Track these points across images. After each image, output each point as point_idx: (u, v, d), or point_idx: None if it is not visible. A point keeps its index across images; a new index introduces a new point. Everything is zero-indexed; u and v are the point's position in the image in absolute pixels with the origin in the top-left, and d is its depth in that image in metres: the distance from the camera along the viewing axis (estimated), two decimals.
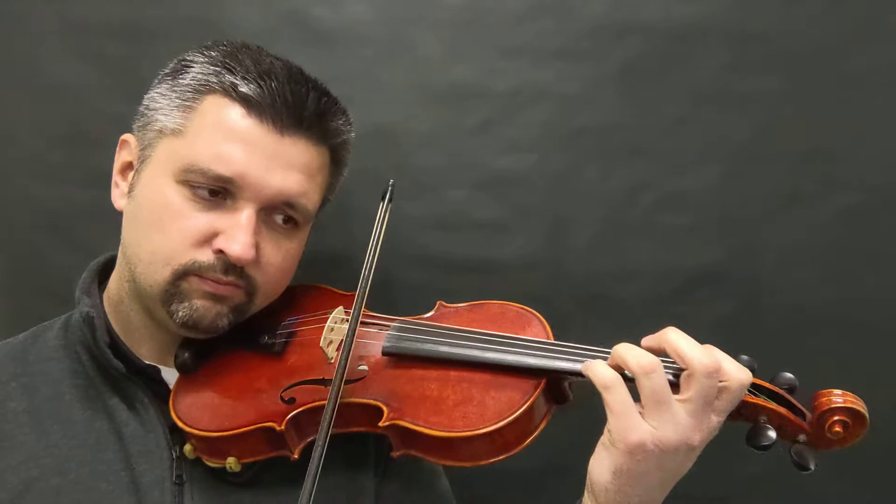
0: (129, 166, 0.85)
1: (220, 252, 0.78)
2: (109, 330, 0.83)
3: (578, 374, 0.71)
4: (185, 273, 0.78)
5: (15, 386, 0.81)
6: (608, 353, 0.71)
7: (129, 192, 0.83)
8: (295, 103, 0.79)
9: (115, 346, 0.82)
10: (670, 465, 0.66)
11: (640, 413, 0.65)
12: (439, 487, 0.95)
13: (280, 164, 0.79)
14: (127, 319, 0.85)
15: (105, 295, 0.87)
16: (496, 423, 0.69)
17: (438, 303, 0.88)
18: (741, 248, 1.10)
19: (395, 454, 0.75)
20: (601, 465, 0.68)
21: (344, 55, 1.10)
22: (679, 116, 1.09)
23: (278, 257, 0.83)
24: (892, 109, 1.08)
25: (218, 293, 0.79)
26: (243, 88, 0.78)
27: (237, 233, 0.77)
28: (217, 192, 0.78)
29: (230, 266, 0.78)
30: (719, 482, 1.09)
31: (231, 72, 0.79)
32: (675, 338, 0.67)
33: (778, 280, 1.09)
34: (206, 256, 0.78)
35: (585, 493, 0.72)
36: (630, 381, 0.66)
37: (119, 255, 0.85)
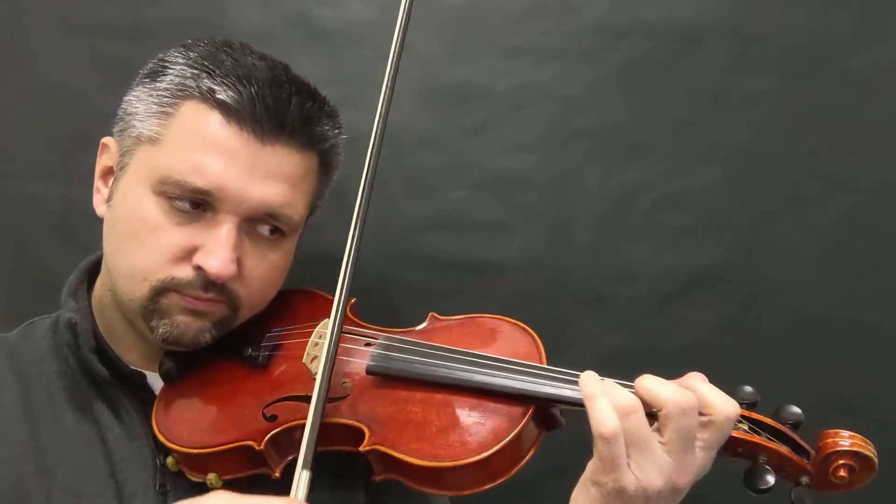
0: (109, 171, 0.82)
1: (199, 268, 0.75)
2: (96, 334, 0.82)
3: (569, 401, 0.68)
4: (163, 289, 0.75)
5: (11, 380, 0.79)
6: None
7: (108, 199, 0.80)
8: (276, 109, 0.75)
9: (102, 350, 0.80)
10: None
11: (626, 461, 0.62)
12: (436, 498, 0.92)
13: (261, 174, 0.75)
14: (111, 326, 0.83)
15: (93, 297, 0.86)
16: (481, 454, 0.66)
17: (430, 315, 0.84)
18: (741, 248, 1.10)
19: (377, 478, 0.72)
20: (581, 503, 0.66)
21: (345, 55, 1.10)
22: (679, 117, 1.09)
23: (262, 270, 0.79)
24: (892, 109, 1.08)
25: (198, 309, 0.77)
26: (221, 95, 0.74)
27: (216, 248, 0.74)
28: (196, 204, 0.75)
29: (210, 282, 0.75)
30: (718, 483, 1.10)
31: (210, 75, 0.75)
32: (646, 383, 0.64)
33: (778, 280, 1.09)
34: (184, 273, 0.75)
35: None
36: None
37: (103, 261, 0.84)
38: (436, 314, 0.84)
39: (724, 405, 0.63)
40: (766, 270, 1.09)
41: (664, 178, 1.10)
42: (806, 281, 1.09)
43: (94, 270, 0.87)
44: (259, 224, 0.79)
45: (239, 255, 0.76)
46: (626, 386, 0.66)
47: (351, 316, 0.85)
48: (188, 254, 0.75)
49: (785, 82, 1.08)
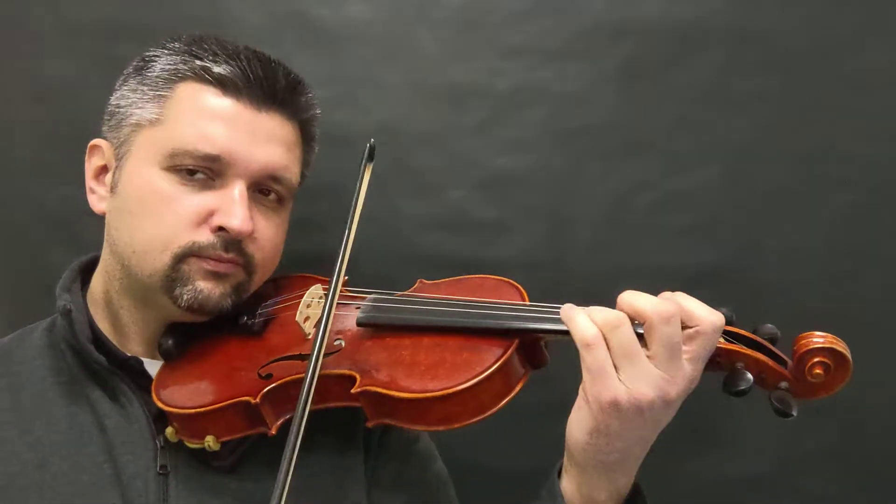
0: (103, 170, 0.85)
1: (219, 229, 0.79)
2: (92, 325, 0.83)
3: (552, 332, 0.71)
4: (184, 255, 0.78)
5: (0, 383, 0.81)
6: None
7: (112, 190, 0.83)
8: (267, 78, 0.81)
9: (98, 340, 0.82)
10: (648, 422, 0.65)
11: (615, 372, 0.64)
12: (434, 470, 0.94)
13: (261, 138, 0.81)
14: (116, 316, 0.85)
15: (88, 294, 0.88)
16: (467, 382, 0.68)
17: (419, 280, 0.88)
18: (741, 248, 1.10)
19: (369, 424, 0.74)
20: (578, 425, 0.67)
21: (344, 55, 1.10)
22: (679, 116, 1.09)
23: (270, 231, 0.84)
24: (892, 109, 1.08)
25: (219, 271, 0.80)
26: (217, 69, 0.80)
27: (234, 207, 0.78)
28: (205, 172, 0.79)
29: (230, 242, 0.79)
30: (720, 483, 1.10)
31: (199, 57, 0.81)
32: (627, 296, 0.66)
33: (778, 280, 1.09)
34: (204, 236, 0.79)
35: (565, 455, 0.72)
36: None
37: (105, 255, 0.86)
38: (423, 280, 0.88)
39: (709, 315, 0.65)
40: (765, 270, 1.09)
41: (664, 177, 1.10)
42: (805, 281, 1.09)
43: (86, 269, 0.89)
44: (262, 189, 0.84)
45: (252, 215, 0.81)
46: None
47: (344, 288, 0.87)
48: (205, 218, 0.79)
49: (785, 82, 1.08)
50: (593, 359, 0.64)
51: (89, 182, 0.86)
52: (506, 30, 1.10)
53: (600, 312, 0.66)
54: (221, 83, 0.80)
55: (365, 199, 1.07)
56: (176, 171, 0.79)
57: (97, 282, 0.87)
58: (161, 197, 0.78)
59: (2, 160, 1.13)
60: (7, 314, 1.13)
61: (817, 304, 1.09)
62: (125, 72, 0.85)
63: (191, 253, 0.78)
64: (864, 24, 1.07)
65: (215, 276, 0.80)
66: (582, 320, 0.66)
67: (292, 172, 0.85)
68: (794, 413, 0.65)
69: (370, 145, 0.87)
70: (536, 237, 1.11)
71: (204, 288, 0.79)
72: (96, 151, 0.86)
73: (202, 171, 0.79)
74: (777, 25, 1.08)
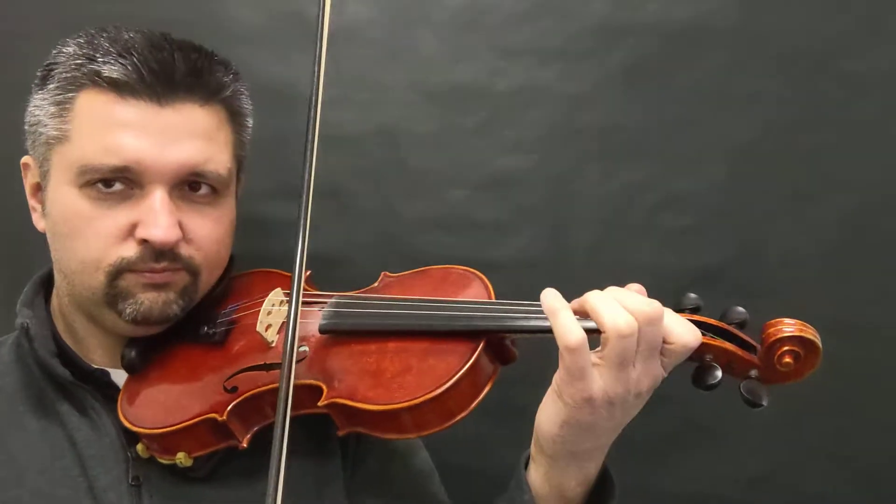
0: (38, 187, 0.83)
1: (144, 242, 0.75)
2: (56, 338, 0.82)
3: (520, 330, 0.70)
4: (118, 272, 0.76)
5: None
6: (541, 310, 0.67)
7: (43, 211, 0.82)
8: (163, 69, 0.75)
9: (63, 353, 0.81)
10: (618, 414, 0.65)
11: (593, 366, 0.63)
12: (416, 463, 0.93)
13: (171, 136, 0.76)
14: (73, 330, 0.84)
15: (51, 306, 0.87)
16: (435, 390, 0.67)
17: (382, 274, 0.86)
18: (741, 248, 1.10)
19: (340, 433, 0.73)
20: (548, 418, 0.67)
21: (345, 56, 1.10)
22: (679, 116, 1.09)
23: (206, 228, 0.80)
24: (893, 109, 1.08)
25: (157, 282, 0.77)
26: (107, 73, 0.75)
27: (154, 217, 0.75)
28: (121, 184, 0.75)
29: (159, 253, 0.76)
30: (718, 483, 1.10)
31: (91, 60, 0.76)
32: (620, 293, 0.65)
33: (777, 280, 1.09)
34: (131, 251, 0.76)
35: (532, 445, 0.71)
36: (592, 333, 0.64)
37: (54, 272, 0.84)
38: (387, 272, 0.86)
39: (683, 335, 0.64)
40: (766, 270, 1.09)
41: (664, 178, 1.10)
42: (806, 281, 1.09)
43: (46, 281, 0.88)
44: (188, 186, 0.79)
45: (178, 219, 0.77)
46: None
47: (306, 286, 0.85)
48: (129, 232, 0.76)
49: (785, 82, 1.08)
50: (574, 362, 0.63)
51: (30, 200, 0.85)
52: (506, 30, 1.10)
53: (612, 315, 0.63)
54: (116, 87, 0.75)
55: (361, 199, 1.06)
56: (91, 187, 0.75)
57: (55, 296, 0.86)
58: (82, 217, 0.76)
59: (2, 160, 1.13)
60: (7, 314, 1.12)
61: (817, 304, 1.09)
62: (33, 83, 0.82)
63: (123, 268, 0.76)
64: (864, 25, 1.07)
65: (154, 286, 0.78)
66: (566, 319, 0.63)
67: (217, 162, 0.79)
68: (765, 403, 0.64)
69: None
70: (536, 237, 1.11)
71: (145, 300, 0.77)
72: (28, 170, 0.84)
73: (118, 181, 0.75)
74: (777, 25, 1.08)
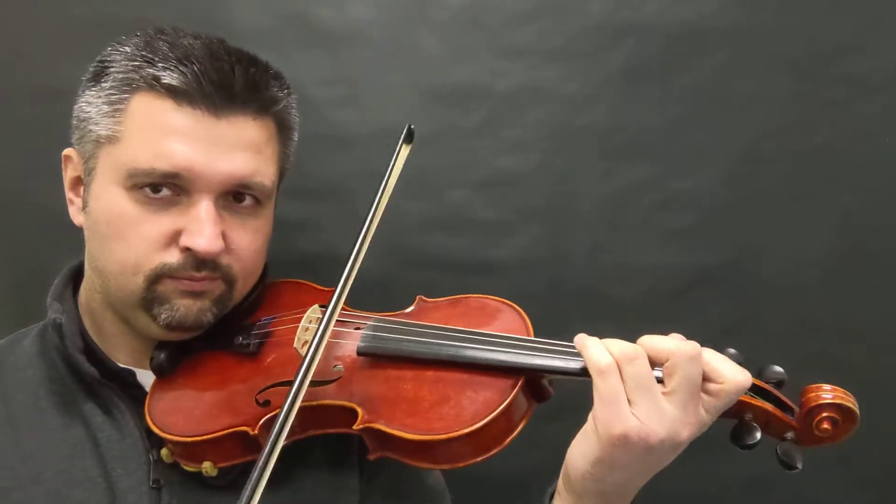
0: (78, 181, 0.83)
1: (187, 250, 0.76)
2: (84, 335, 0.82)
3: (557, 371, 0.69)
4: (157, 277, 0.76)
5: None
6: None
7: (84, 207, 0.81)
8: (223, 82, 0.76)
9: (90, 350, 0.81)
10: (653, 458, 0.65)
11: (628, 404, 0.63)
12: (430, 482, 0.93)
13: (223, 147, 0.76)
14: (101, 327, 0.84)
15: (79, 300, 0.86)
16: (473, 425, 0.67)
17: (418, 298, 0.85)
18: (741, 248, 1.10)
19: (371, 456, 0.73)
20: (581, 453, 0.66)
21: (346, 56, 1.10)
22: (679, 117, 1.09)
23: (247, 239, 0.81)
24: (893, 109, 1.08)
25: (195, 290, 0.78)
26: (167, 80, 0.74)
27: (200, 227, 0.75)
28: (170, 188, 0.76)
29: (201, 262, 0.76)
30: (716, 483, 1.10)
31: (150, 63, 0.76)
32: (647, 338, 0.66)
33: (778, 280, 1.09)
34: (174, 257, 0.76)
35: (560, 478, 0.71)
36: None
37: (86, 266, 0.84)
38: (423, 297, 0.85)
39: (734, 375, 0.64)
40: (765, 270, 1.10)
41: (664, 178, 1.10)
42: (806, 281, 1.09)
43: (77, 275, 0.88)
44: (234, 196, 0.79)
45: (222, 229, 0.77)
46: None
47: (343, 306, 0.84)
48: (173, 238, 0.76)
49: (785, 82, 1.08)
50: (606, 387, 0.63)
51: (67, 193, 0.84)
52: (507, 30, 1.10)
53: (616, 344, 0.65)
54: (174, 94, 0.75)
55: (361, 199, 1.05)
56: (138, 190, 0.75)
57: (84, 291, 0.86)
58: (127, 220, 0.76)
59: (2, 160, 1.13)
60: (7, 314, 1.13)
61: (817, 304, 1.09)
62: (83, 77, 0.82)
63: (163, 274, 0.76)
64: (864, 25, 1.08)
65: (192, 294, 0.78)
66: (596, 347, 0.65)
67: (264, 175, 0.80)
68: (800, 466, 0.65)
69: (410, 127, 0.83)
70: (536, 237, 1.11)
71: (181, 306, 0.77)
72: (69, 162, 0.84)
73: (166, 186, 0.75)
74: (777, 25, 1.08)
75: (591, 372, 0.64)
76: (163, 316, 0.77)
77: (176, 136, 0.75)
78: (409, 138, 0.83)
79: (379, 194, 0.79)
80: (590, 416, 0.66)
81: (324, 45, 1.10)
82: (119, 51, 0.79)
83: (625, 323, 1.08)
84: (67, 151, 0.84)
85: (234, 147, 0.77)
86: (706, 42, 1.09)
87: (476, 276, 1.11)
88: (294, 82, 0.96)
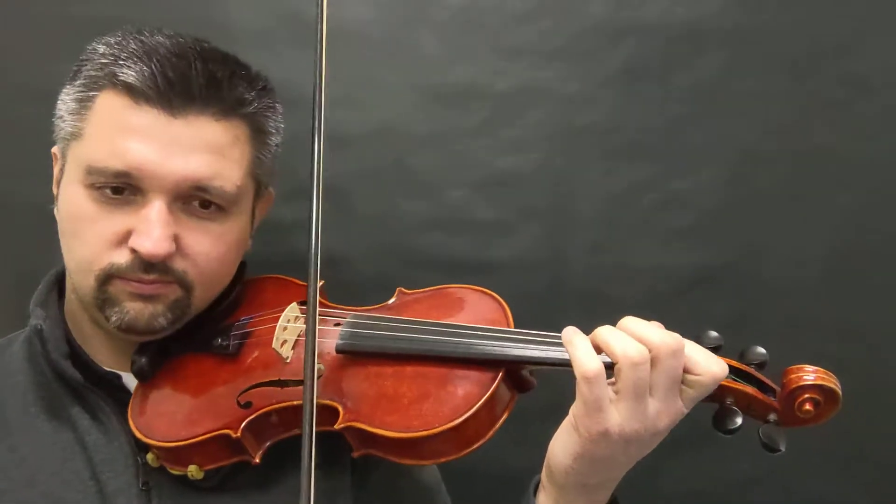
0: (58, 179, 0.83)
1: (134, 251, 0.74)
2: (69, 339, 0.82)
3: (538, 361, 0.69)
4: (107, 277, 0.75)
5: None
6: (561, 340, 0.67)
7: (56, 205, 0.81)
8: (180, 79, 0.73)
9: (76, 355, 0.80)
10: (634, 450, 0.65)
11: (610, 400, 0.63)
12: (425, 475, 0.93)
13: (179, 147, 0.74)
14: (81, 328, 0.84)
15: (64, 304, 0.86)
16: (454, 420, 0.66)
17: (398, 290, 0.84)
18: (741, 248, 1.10)
19: (355, 454, 0.73)
20: (563, 449, 0.66)
21: (345, 56, 1.10)
22: (679, 117, 1.09)
23: (206, 245, 0.77)
24: (893, 109, 1.08)
25: (145, 293, 0.76)
26: (122, 76, 0.73)
27: (148, 228, 0.73)
28: (123, 189, 0.74)
29: (149, 264, 0.74)
30: (714, 481, 1.10)
31: (115, 61, 0.75)
32: (632, 324, 0.65)
33: (778, 280, 1.09)
34: (123, 258, 0.74)
35: (543, 472, 0.71)
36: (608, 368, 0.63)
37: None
38: (402, 289, 0.85)
39: (710, 366, 0.64)
40: (765, 270, 1.09)
41: (664, 177, 1.10)
42: (806, 281, 1.09)
43: (62, 279, 0.87)
44: (192, 200, 0.77)
45: (175, 232, 0.75)
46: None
47: (321, 300, 0.84)
48: (123, 238, 0.75)
49: (785, 82, 1.08)
50: (591, 392, 0.62)
51: (53, 189, 0.84)
52: (506, 30, 1.10)
53: (622, 344, 0.63)
54: (131, 91, 0.73)
55: (361, 199, 1.04)
56: (94, 188, 0.74)
57: (67, 293, 0.85)
58: (83, 217, 0.75)
59: (2, 160, 1.13)
60: (7, 314, 1.12)
61: (817, 304, 1.09)
62: (68, 76, 0.82)
63: (112, 274, 0.75)
64: (864, 25, 1.07)
65: (141, 297, 0.76)
66: (584, 349, 0.64)
67: (225, 179, 0.76)
68: (783, 448, 0.65)
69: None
70: (536, 237, 1.11)
71: (131, 309, 0.76)
72: (55, 161, 0.83)
73: (124, 187, 0.74)
74: (777, 25, 1.08)
75: (577, 375, 0.63)
76: (113, 318, 0.76)
77: (132, 135, 0.73)
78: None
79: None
80: (570, 412, 0.66)
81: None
82: (95, 50, 0.79)
83: None
84: (54, 149, 0.84)
85: (192, 148, 0.75)
86: (706, 42, 1.09)
87: (476, 276, 1.11)
88: (292, 82, 0.96)
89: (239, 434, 0.73)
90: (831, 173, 1.08)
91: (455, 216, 1.11)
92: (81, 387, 0.78)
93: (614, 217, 1.10)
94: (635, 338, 0.63)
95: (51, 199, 1.12)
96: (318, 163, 0.68)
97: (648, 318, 1.08)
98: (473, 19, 1.10)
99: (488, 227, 1.11)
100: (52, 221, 1.11)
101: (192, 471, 0.75)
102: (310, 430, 0.64)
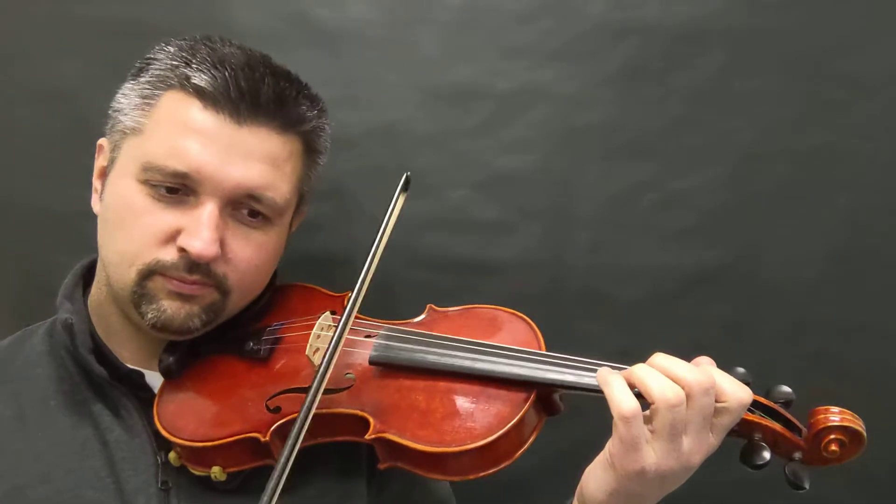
0: (104, 170, 0.83)
1: (182, 250, 0.75)
2: (93, 334, 0.82)
3: (570, 386, 0.70)
4: (149, 273, 0.76)
5: (2, 391, 0.80)
6: (594, 366, 0.69)
7: (101, 195, 0.82)
8: (251, 90, 0.76)
9: (99, 350, 0.80)
10: (668, 485, 0.66)
11: (646, 440, 0.63)
12: (438, 488, 0.94)
13: (239, 155, 0.76)
14: (108, 323, 0.84)
15: (89, 298, 0.86)
16: (485, 439, 0.67)
17: (429, 307, 0.86)
18: (741, 248, 1.10)
19: (381, 466, 0.73)
20: (597, 484, 0.67)
21: (346, 56, 1.10)
22: (679, 116, 1.09)
23: (248, 252, 0.79)
24: (893, 109, 1.08)
25: (184, 293, 0.77)
26: (195, 80, 0.76)
27: (197, 229, 0.75)
28: (178, 189, 0.76)
29: (194, 264, 0.76)
30: (714, 482, 1.09)
31: (187, 64, 0.77)
32: (665, 362, 0.65)
33: (778, 280, 1.09)
34: (169, 255, 0.76)
35: (575, 501, 0.71)
36: (642, 401, 0.64)
37: (98, 260, 0.84)
38: (433, 306, 0.86)
39: (737, 391, 0.65)
40: (766, 270, 1.09)
41: (664, 177, 1.10)
42: (806, 281, 1.09)
43: (89, 273, 0.88)
44: (242, 207, 0.79)
45: (222, 236, 0.77)
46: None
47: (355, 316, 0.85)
48: (172, 236, 0.76)
49: (785, 82, 1.08)
50: (628, 432, 0.63)
51: (94, 182, 0.85)
52: (507, 30, 1.10)
53: (660, 386, 0.63)
54: (201, 95, 0.76)
55: (361, 198, 1.05)
56: (149, 185, 0.76)
57: (95, 287, 0.86)
58: (133, 210, 0.76)
59: (3, 160, 1.13)
60: (8, 314, 1.13)
61: (817, 304, 1.09)
62: (130, 72, 0.83)
63: (155, 271, 0.76)
64: (864, 24, 1.07)
65: (180, 296, 0.77)
66: (620, 389, 0.64)
67: (276, 190, 0.79)
68: (807, 486, 0.66)
69: (407, 176, 0.83)
70: (537, 237, 1.11)
71: (168, 307, 0.77)
72: (100, 152, 0.85)
73: (178, 187, 0.75)
74: (777, 25, 1.08)
75: (614, 414, 0.64)
76: (149, 315, 0.77)
77: (194, 136, 0.75)
78: (406, 187, 0.83)
79: (377, 241, 0.78)
80: (606, 449, 0.66)
81: (324, 45, 1.10)
82: (164, 50, 0.81)
83: (625, 323, 1.10)
84: (101, 141, 0.85)
85: (251, 156, 0.77)
86: (706, 42, 1.09)
87: (476, 276, 1.11)
88: None
89: (268, 438, 0.73)
90: (831, 173, 1.08)
91: (456, 216, 1.11)
92: (105, 383, 0.79)
93: (614, 217, 1.10)
94: (670, 377, 0.64)
95: (55, 198, 1.12)
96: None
97: (648, 318, 1.10)
98: (474, 19, 1.10)
99: (489, 227, 1.11)
100: (53, 221, 1.12)
101: (216, 472, 0.75)
102: (301, 423, 0.64)
